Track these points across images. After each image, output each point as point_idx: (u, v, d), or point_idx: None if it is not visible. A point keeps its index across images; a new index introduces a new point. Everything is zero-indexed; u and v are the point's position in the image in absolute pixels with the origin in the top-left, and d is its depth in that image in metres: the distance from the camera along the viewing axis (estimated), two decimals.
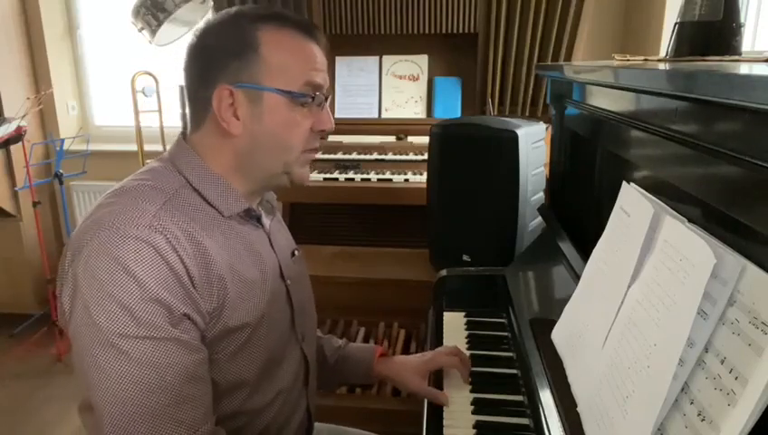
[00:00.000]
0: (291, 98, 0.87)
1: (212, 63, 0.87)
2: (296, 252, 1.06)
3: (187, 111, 0.94)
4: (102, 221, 0.78)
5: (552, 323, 0.99)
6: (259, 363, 0.90)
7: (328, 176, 2.24)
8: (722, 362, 0.56)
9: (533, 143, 1.60)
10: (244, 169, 0.91)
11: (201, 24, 0.91)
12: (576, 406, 0.80)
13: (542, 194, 1.67)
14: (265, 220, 0.98)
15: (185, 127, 0.96)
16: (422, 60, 2.54)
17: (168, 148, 0.95)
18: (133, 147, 2.94)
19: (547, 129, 1.69)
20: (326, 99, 0.93)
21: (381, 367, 1.16)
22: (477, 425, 0.97)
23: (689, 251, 0.64)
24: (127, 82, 2.87)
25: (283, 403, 0.97)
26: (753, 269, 0.56)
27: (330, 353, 1.18)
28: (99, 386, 0.74)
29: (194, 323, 0.79)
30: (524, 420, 0.96)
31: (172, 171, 0.88)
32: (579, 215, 1.30)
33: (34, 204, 2.77)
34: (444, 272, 1.48)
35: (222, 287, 0.83)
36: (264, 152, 0.89)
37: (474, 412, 1.01)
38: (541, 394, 0.88)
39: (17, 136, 2.60)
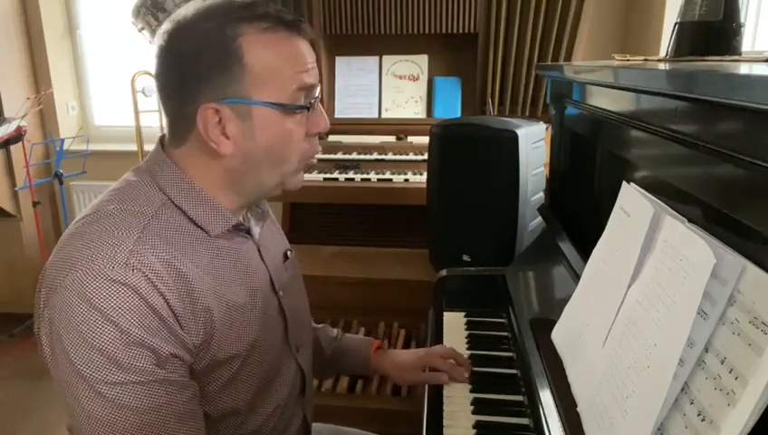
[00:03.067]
0: (283, 110, 0.80)
1: (191, 76, 0.77)
2: (289, 253, 1.01)
3: (164, 121, 0.85)
4: (76, 259, 0.72)
5: (552, 323, 0.99)
6: (252, 389, 0.87)
7: (328, 176, 2.24)
8: (722, 362, 0.56)
9: (533, 143, 1.60)
10: (235, 185, 0.84)
11: (171, 25, 0.79)
12: (576, 406, 0.80)
13: (542, 194, 1.67)
14: (255, 229, 0.92)
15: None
16: (422, 60, 2.54)
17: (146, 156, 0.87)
18: (133, 147, 2.94)
19: (547, 129, 1.68)
20: (318, 95, 0.86)
21: (378, 361, 1.17)
22: (477, 425, 0.97)
23: (689, 251, 0.64)
24: (127, 82, 2.87)
25: (279, 418, 0.94)
26: (753, 269, 0.56)
27: (326, 345, 1.18)
28: (89, 431, 0.71)
29: (181, 360, 0.75)
30: (524, 420, 0.96)
31: (151, 187, 0.80)
32: (579, 215, 1.30)
33: (34, 204, 2.77)
34: (444, 272, 1.47)
35: (208, 319, 0.78)
36: (260, 168, 0.83)
37: (474, 412, 1.00)
38: (541, 394, 0.88)
39: (17, 136, 2.60)
